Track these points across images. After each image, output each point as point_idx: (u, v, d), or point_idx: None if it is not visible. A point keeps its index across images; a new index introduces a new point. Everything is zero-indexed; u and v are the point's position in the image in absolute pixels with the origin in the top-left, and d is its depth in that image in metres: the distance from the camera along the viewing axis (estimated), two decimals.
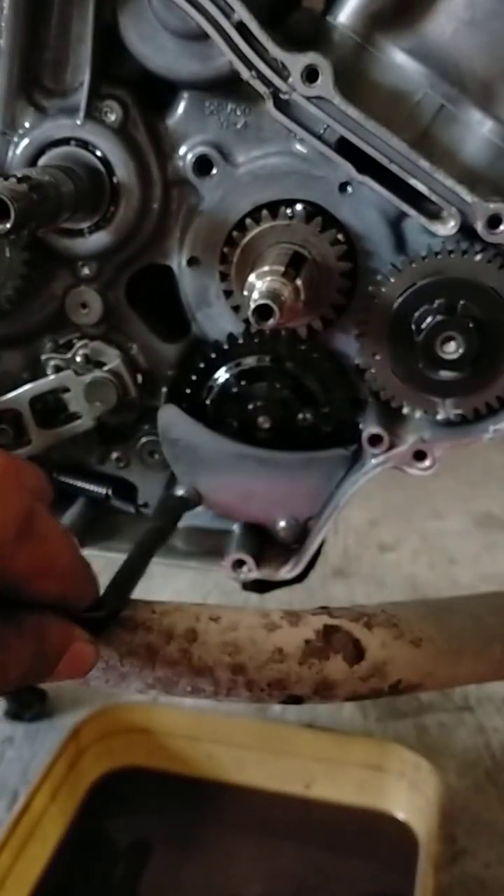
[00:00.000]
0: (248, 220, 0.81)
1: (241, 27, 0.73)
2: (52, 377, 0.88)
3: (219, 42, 0.74)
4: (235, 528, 0.93)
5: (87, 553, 0.92)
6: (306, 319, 0.83)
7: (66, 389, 0.88)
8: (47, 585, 0.57)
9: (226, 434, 0.89)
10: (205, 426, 0.89)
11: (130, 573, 0.71)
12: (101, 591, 0.65)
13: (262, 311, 0.73)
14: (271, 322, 0.73)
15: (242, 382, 0.88)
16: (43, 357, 0.90)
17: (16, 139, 0.82)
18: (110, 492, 0.94)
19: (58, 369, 0.89)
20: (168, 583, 1.79)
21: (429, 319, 0.79)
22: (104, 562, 0.97)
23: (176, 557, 0.94)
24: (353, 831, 1.33)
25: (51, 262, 0.86)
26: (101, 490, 0.94)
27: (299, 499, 0.91)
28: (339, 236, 0.81)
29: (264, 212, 0.81)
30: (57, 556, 0.58)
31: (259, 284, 0.76)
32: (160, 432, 0.90)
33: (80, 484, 0.94)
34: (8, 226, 0.69)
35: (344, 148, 0.76)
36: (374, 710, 1.58)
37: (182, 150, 0.82)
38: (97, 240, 0.84)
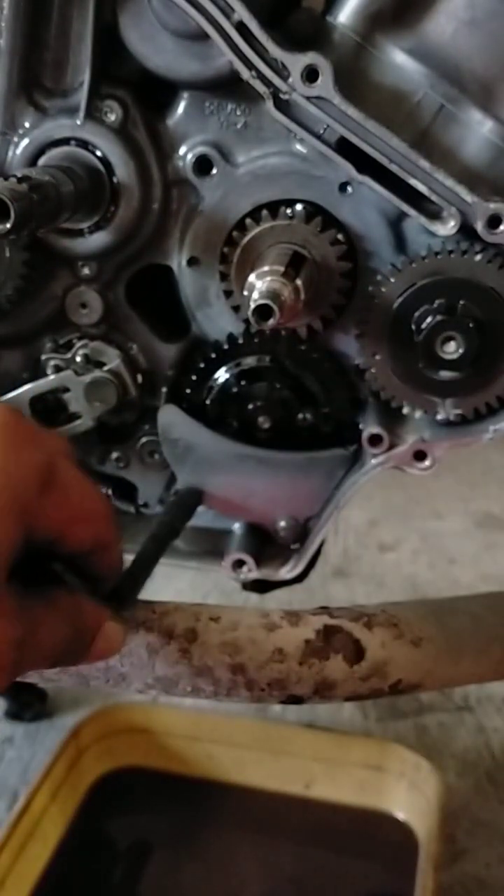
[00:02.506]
0: (248, 220, 0.81)
1: (241, 27, 0.73)
2: (52, 377, 0.88)
3: (219, 42, 0.74)
4: (235, 528, 0.93)
5: None
6: (306, 319, 0.83)
7: (66, 389, 0.88)
8: (81, 533, 0.57)
9: (226, 434, 0.89)
10: (205, 426, 0.89)
11: (144, 565, 0.72)
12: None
13: (262, 311, 0.73)
14: (271, 322, 0.73)
15: (242, 382, 0.88)
16: (43, 357, 0.90)
17: (16, 139, 0.82)
18: (110, 492, 0.94)
19: (58, 369, 0.89)
20: (168, 583, 1.79)
21: (429, 319, 0.79)
22: None
23: (176, 557, 0.94)
24: (353, 831, 1.33)
25: (51, 262, 0.86)
26: (101, 490, 0.94)
27: (299, 499, 0.91)
28: (339, 236, 0.81)
29: (264, 212, 0.81)
30: (84, 502, 0.58)
31: (259, 284, 0.76)
32: (160, 432, 0.90)
33: None
34: (8, 226, 0.70)
35: (344, 148, 0.76)
36: (374, 710, 1.58)
37: (182, 150, 0.82)
38: (97, 240, 0.84)
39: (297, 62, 0.74)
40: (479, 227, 0.76)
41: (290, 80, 0.74)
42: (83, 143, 0.81)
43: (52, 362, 0.90)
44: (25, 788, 1.30)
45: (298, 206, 0.80)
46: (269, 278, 0.76)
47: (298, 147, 0.80)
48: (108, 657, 0.63)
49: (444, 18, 0.76)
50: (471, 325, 0.78)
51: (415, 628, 0.72)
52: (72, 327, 0.89)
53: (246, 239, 0.81)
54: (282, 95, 0.75)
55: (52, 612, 0.56)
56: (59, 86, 0.82)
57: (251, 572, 0.91)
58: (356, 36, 0.77)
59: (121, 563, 0.64)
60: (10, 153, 0.82)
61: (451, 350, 0.79)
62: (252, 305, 0.73)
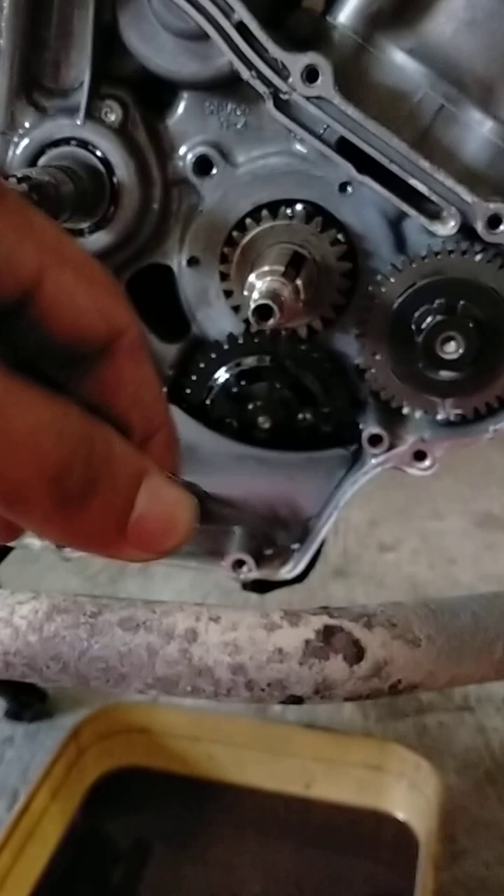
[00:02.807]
0: (248, 220, 0.81)
1: (241, 27, 0.73)
2: None
3: (219, 42, 0.74)
4: (235, 528, 0.93)
5: (88, 554, 0.93)
6: (306, 319, 0.83)
7: None
8: (72, 297, 0.37)
9: (226, 434, 0.89)
10: (205, 426, 0.89)
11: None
12: None
13: (262, 311, 0.73)
14: (271, 322, 0.73)
15: (242, 382, 0.88)
16: None
17: (16, 139, 0.82)
18: None
19: None
20: (168, 583, 1.79)
21: (429, 319, 0.79)
22: (104, 562, 0.97)
23: (176, 557, 0.94)
24: (353, 831, 1.33)
25: None
26: None
27: (299, 499, 0.91)
28: (339, 236, 0.81)
29: (264, 212, 0.81)
30: (77, 256, 0.38)
31: (259, 284, 0.76)
32: None
33: None
34: None
35: (344, 148, 0.76)
36: (374, 710, 1.58)
37: (182, 150, 0.82)
38: (97, 240, 0.84)
39: (297, 62, 0.74)
40: (479, 227, 0.76)
41: (290, 80, 0.74)
42: (83, 143, 0.81)
43: None
44: (25, 788, 1.30)
45: (298, 206, 0.80)
46: (269, 278, 0.76)
47: (298, 147, 0.80)
48: (168, 542, 0.40)
49: (444, 18, 0.76)
50: (471, 325, 0.78)
51: (415, 628, 0.72)
52: None
53: (246, 239, 0.81)
54: (282, 95, 0.75)
55: (42, 405, 0.35)
56: (59, 86, 0.82)
57: (251, 572, 0.91)
58: (356, 36, 0.77)
59: (165, 413, 0.43)
60: (10, 153, 0.82)
61: (451, 350, 0.79)
62: (252, 305, 0.73)
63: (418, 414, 0.85)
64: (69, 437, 0.35)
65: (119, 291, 0.40)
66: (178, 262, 0.85)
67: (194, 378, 0.89)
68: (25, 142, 0.82)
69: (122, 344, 0.40)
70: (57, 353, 0.38)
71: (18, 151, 0.82)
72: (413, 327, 0.80)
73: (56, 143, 0.81)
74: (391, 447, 0.86)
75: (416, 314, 0.79)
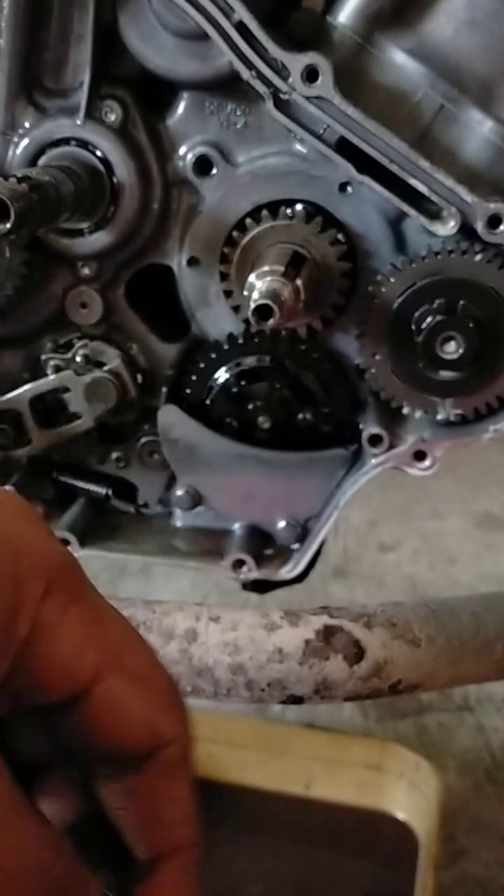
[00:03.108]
0: (248, 220, 0.81)
1: (241, 27, 0.73)
2: (52, 377, 0.88)
3: (219, 42, 0.74)
4: (235, 528, 0.93)
5: (88, 553, 0.93)
6: (306, 319, 0.83)
7: (66, 389, 0.88)
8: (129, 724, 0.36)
9: (226, 434, 0.89)
10: (205, 426, 0.89)
11: None
12: None
13: (262, 311, 0.73)
14: (271, 322, 0.73)
15: (242, 382, 0.88)
16: (43, 357, 0.90)
17: (16, 139, 0.82)
18: (110, 492, 0.95)
19: (58, 369, 0.89)
20: (168, 583, 1.79)
21: (429, 319, 0.79)
22: (104, 562, 0.97)
23: (176, 557, 0.94)
24: (353, 831, 1.33)
25: (51, 262, 0.86)
26: (101, 490, 0.94)
27: (299, 499, 0.91)
28: (339, 236, 0.81)
29: (264, 212, 0.81)
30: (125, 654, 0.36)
31: (259, 284, 0.76)
32: (160, 432, 0.90)
33: (80, 484, 0.94)
34: (8, 226, 0.69)
35: (344, 148, 0.76)
36: (374, 710, 1.58)
37: (182, 150, 0.82)
38: (97, 240, 0.84)
39: (297, 62, 0.74)
40: (479, 227, 0.76)
41: (290, 80, 0.74)
42: (83, 143, 0.81)
43: (52, 362, 0.90)
44: None
45: (298, 206, 0.80)
46: (269, 278, 0.76)
47: (298, 147, 0.80)
48: None
49: (444, 18, 0.76)
50: (471, 325, 0.78)
51: (415, 628, 0.72)
52: (72, 327, 0.89)
53: (246, 239, 0.81)
54: (282, 95, 0.75)
55: (31, 839, 0.34)
56: (59, 86, 0.82)
57: (251, 572, 0.91)
58: (356, 36, 0.77)
59: (191, 836, 0.41)
60: (10, 153, 0.82)
61: (451, 350, 0.79)
62: (252, 305, 0.73)
63: (418, 414, 0.85)
64: (48, 874, 0.34)
65: (177, 699, 0.38)
66: (178, 262, 0.85)
67: (194, 378, 0.89)
68: (25, 142, 0.82)
69: (163, 756, 0.38)
70: (94, 752, 0.37)
71: (18, 151, 0.82)
72: (413, 327, 0.80)
73: (56, 143, 0.81)
74: (391, 447, 0.86)
75: (416, 314, 0.79)
